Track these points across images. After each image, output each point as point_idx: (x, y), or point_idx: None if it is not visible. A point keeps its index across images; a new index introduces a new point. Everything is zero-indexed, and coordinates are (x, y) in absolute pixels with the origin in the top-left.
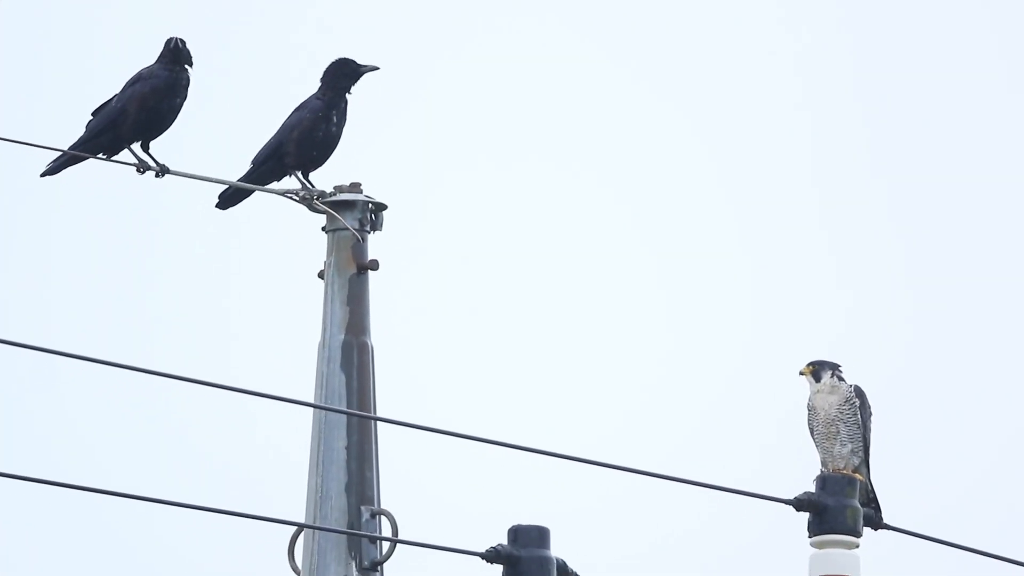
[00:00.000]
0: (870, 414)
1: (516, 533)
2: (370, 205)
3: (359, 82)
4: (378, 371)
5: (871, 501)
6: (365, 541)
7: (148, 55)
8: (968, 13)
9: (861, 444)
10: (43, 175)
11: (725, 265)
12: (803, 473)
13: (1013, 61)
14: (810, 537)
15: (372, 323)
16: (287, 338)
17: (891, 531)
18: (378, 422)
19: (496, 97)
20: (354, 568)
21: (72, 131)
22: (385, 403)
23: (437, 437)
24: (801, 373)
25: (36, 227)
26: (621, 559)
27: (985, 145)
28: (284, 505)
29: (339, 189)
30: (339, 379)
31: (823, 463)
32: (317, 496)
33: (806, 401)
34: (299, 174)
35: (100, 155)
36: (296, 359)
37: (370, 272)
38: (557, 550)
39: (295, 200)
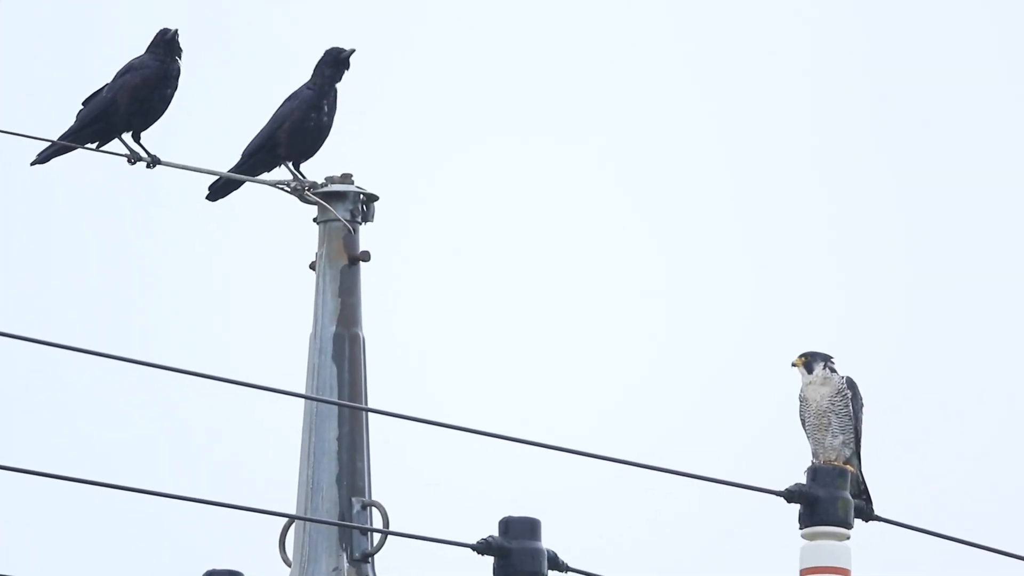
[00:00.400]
0: (861, 406)
1: (507, 524)
2: (361, 196)
3: (349, 71)
4: (369, 362)
5: (862, 493)
6: (356, 532)
7: (139, 45)
8: (968, 13)
9: (852, 436)
10: (33, 164)
11: (718, 257)
12: (794, 464)
13: (1010, 63)
14: (801, 529)
15: (363, 314)
16: (278, 329)
17: (882, 523)
18: (369, 413)
19: (488, 88)
20: (345, 559)
21: (63, 120)
22: (376, 394)
23: (428, 428)
24: (793, 365)
25: (25, 217)
26: (612, 550)
27: (980, 142)
28: (275, 496)
29: (330, 180)
30: (330, 370)
31: (814, 454)
32: (308, 487)
33: (798, 392)
34: (290, 165)
35: (90, 145)
36: (287, 350)
37: (361, 263)
38: (548, 542)
39: (286, 191)
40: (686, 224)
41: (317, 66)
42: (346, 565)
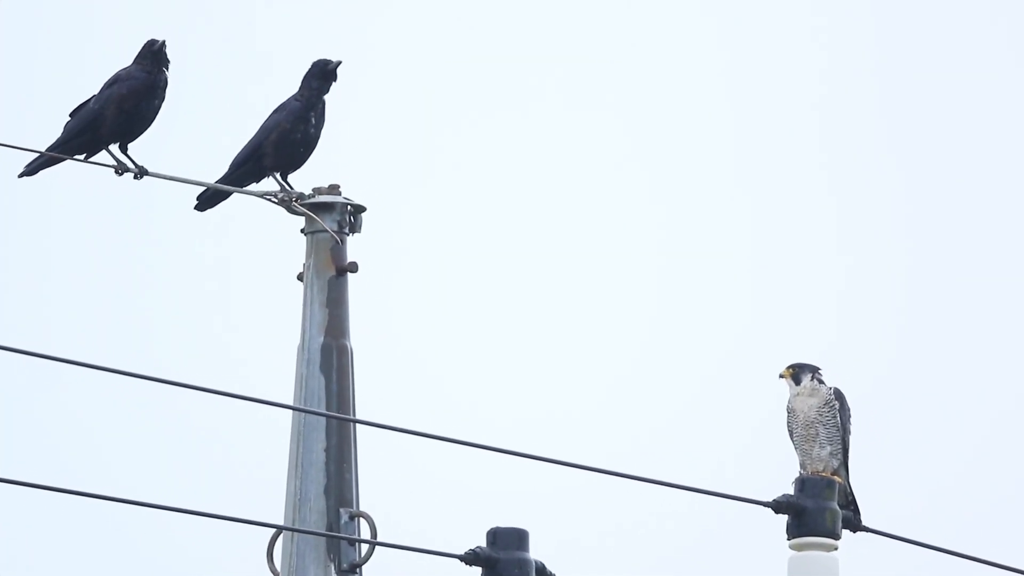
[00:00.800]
0: (849, 416)
1: (495, 535)
2: (349, 207)
3: (337, 82)
4: (357, 373)
5: (850, 503)
6: (344, 543)
7: (126, 56)
8: (967, 13)
9: (840, 446)
10: (21, 176)
11: (709, 268)
12: (782, 475)
13: (1013, 73)
14: (789, 539)
15: (351, 325)
16: (266, 340)
17: (870, 533)
18: (357, 424)
19: (476, 98)
20: (333, 570)
21: (50, 132)
22: (364, 406)
23: (416, 439)
24: (781, 376)
25: (12, 229)
26: (600, 561)
27: (977, 149)
28: (263, 507)
29: (318, 191)
30: (318, 381)
31: (802, 465)
32: (296, 499)
33: (785, 403)
34: (278, 176)
35: (78, 156)
36: (275, 361)
37: (349, 274)
38: (536, 552)
39: (274, 202)
40: (677, 232)
41: (305, 78)
42: None
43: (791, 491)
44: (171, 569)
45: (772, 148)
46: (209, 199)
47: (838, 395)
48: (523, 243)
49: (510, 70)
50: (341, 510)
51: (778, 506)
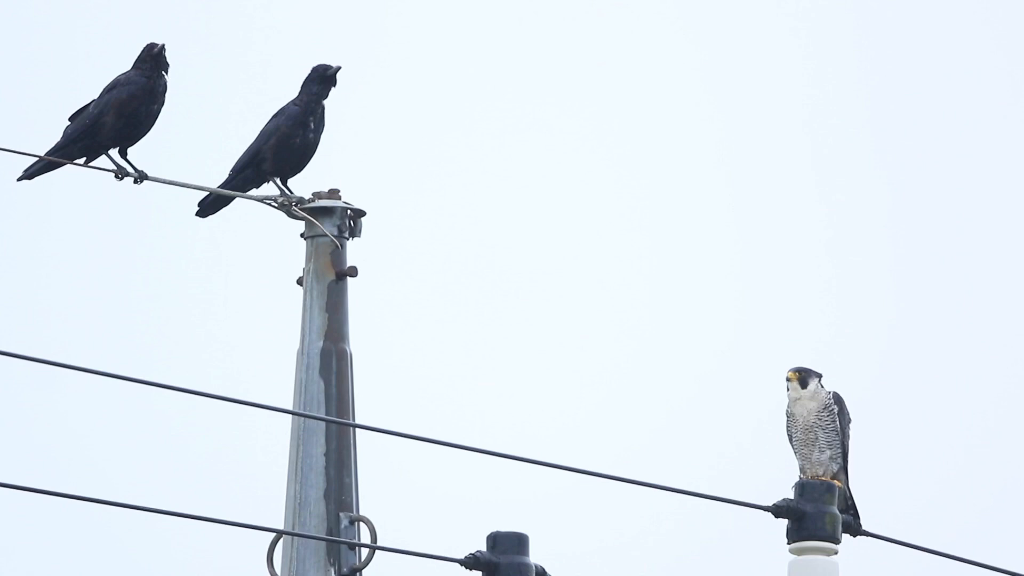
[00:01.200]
0: (849, 421)
1: (495, 539)
2: (349, 212)
3: (337, 87)
4: (357, 378)
5: (850, 508)
6: (344, 548)
7: (126, 60)
8: (954, 14)
9: (840, 451)
10: (20, 179)
11: (704, 271)
12: (782, 479)
13: (1004, 78)
14: (789, 544)
15: (351, 330)
16: (266, 345)
17: (870, 538)
18: (357, 429)
19: (475, 104)
20: (333, 574)
21: (49, 136)
22: (364, 410)
23: (416, 444)
24: (788, 379)
25: (11, 233)
26: (600, 565)
27: (972, 155)
28: (263, 512)
29: (318, 195)
30: (318, 386)
31: (802, 470)
32: (296, 503)
33: (785, 408)
34: (277, 181)
35: (78, 161)
36: (275, 366)
37: (349, 279)
38: (536, 556)
39: (274, 207)
40: (671, 236)
41: (304, 82)
42: None
43: (791, 495)
44: (172, 574)
45: (765, 152)
46: (210, 205)
47: (837, 399)
48: (522, 248)
49: (508, 76)
50: (341, 514)
51: (778, 510)
